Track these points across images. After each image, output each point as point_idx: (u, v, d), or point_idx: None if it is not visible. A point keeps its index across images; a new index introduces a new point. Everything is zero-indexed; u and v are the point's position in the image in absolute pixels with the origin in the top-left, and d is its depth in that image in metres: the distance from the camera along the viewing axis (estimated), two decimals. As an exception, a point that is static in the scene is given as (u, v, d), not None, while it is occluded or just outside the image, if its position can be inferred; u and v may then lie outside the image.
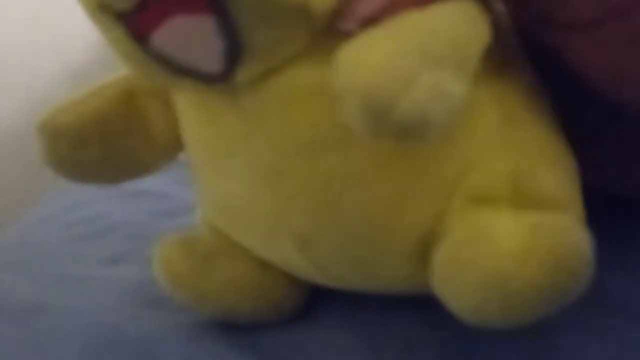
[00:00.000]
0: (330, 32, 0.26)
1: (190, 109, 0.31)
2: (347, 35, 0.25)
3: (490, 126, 0.28)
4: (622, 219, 0.35)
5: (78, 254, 0.47)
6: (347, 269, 0.31)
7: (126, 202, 0.49)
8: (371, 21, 0.25)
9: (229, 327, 0.35)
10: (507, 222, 0.27)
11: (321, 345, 0.33)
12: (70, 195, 0.54)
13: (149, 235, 0.47)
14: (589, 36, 0.27)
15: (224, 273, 0.34)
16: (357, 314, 0.34)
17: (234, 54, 0.26)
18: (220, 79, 0.27)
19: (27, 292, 0.42)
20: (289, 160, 0.29)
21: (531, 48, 0.30)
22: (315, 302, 0.35)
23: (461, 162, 0.28)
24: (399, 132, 0.23)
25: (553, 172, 0.29)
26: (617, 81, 0.28)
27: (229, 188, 0.31)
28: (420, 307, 0.32)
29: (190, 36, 0.26)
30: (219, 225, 0.34)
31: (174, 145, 0.34)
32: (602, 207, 0.30)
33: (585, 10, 0.26)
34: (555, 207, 0.28)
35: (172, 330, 0.36)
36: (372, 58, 0.23)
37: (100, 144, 0.33)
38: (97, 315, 0.38)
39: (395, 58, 0.23)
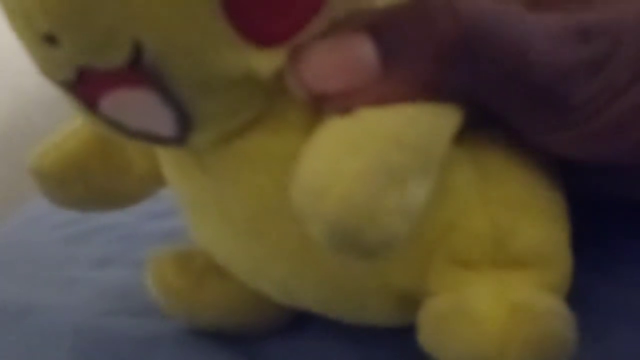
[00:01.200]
0: (288, 93, 0.25)
1: (164, 152, 0.31)
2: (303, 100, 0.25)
3: (468, 184, 0.28)
4: (605, 224, 0.36)
5: (66, 255, 0.46)
6: (332, 312, 0.31)
7: (116, 203, 0.49)
8: (322, 99, 0.24)
9: (223, 334, 0.35)
10: (488, 298, 0.26)
11: (321, 353, 0.33)
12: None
13: (139, 236, 0.47)
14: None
15: (216, 290, 0.34)
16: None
17: (185, 122, 0.25)
18: (175, 143, 0.26)
19: (14, 293, 0.42)
20: (260, 223, 0.28)
21: None
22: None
23: (441, 224, 0.28)
24: (365, 254, 0.23)
25: (536, 225, 0.28)
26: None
27: (206, 233, 0.31)
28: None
29: (136, 107, 0.24)
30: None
31: (157, 179, 0.33)
32: (586, 212, 0.31)
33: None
34: (539, 263, 0.28)
35: (163, 334, 0.35)
36: (337, 185, 0.22)
37: (81, 184, 0.33)
38: (87, 317, 0.37)
39: (361, 185, 0.22)
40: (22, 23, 0.23)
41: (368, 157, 0.23)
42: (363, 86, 0.24)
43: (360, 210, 0.22)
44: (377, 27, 0.24)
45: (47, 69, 0.25)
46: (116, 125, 0.26)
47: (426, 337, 0.27)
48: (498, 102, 0.25)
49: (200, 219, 0.31)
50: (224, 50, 0.23)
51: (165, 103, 0.24)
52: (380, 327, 0.32)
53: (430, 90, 0.24)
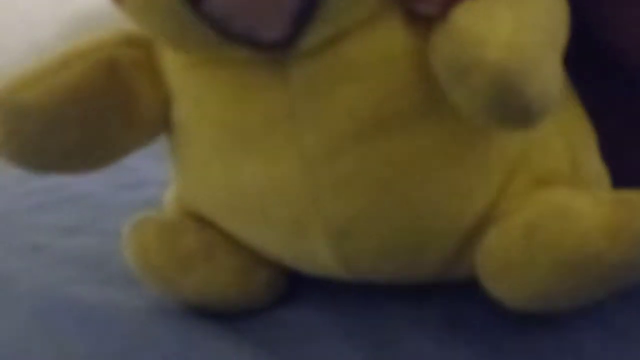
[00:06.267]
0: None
1: (202, 85, 0.28)
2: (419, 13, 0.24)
3: None
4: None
5: (36, 222, 0.46)
6: (383, 260, 0.30)
7: (88, 172, 0.49)
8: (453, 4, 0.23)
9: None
10: (586, 198, 0.27)
11: (306, 326, 0.33)
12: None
13: (109, 207, 0.46)
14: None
15: (203, 276, 0.32)
16: (345, 298, 0.34)
17: (306, 15, 0.23)
18: (282, 46, 0.24)
19: (-20, 258, 0.41)
20: (341, 142, 0.26)
21: None
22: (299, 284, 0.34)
23: (521, 141, 0.28)
24: (523, 115, 0.22)
25: (593, 150, 0.30)
26: None
27: (251, 171, 0.28)
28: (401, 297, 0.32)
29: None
30: (210, 216, 0.31)
31: (159, 126, 0.30)
32: None
33: None
34: (603, 184, 0.30)
35: (132, 305, 0.34)
36: (500, 33, 0.22)
37: (77, 127, 0.28)
38: (51, 282, 0.37)
39: (524, 35, 0.22)
40: None
41: (526, 15, 0.23)
42: None
43: (527, 55, 0.22)
44: None
45: None
46: (216, 25, 0.23)
47: (511, 254, 0.27)
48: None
49: (243, 153, 0.28)
50: None
51: None
52: (419, 283, 0.31)
53: None
